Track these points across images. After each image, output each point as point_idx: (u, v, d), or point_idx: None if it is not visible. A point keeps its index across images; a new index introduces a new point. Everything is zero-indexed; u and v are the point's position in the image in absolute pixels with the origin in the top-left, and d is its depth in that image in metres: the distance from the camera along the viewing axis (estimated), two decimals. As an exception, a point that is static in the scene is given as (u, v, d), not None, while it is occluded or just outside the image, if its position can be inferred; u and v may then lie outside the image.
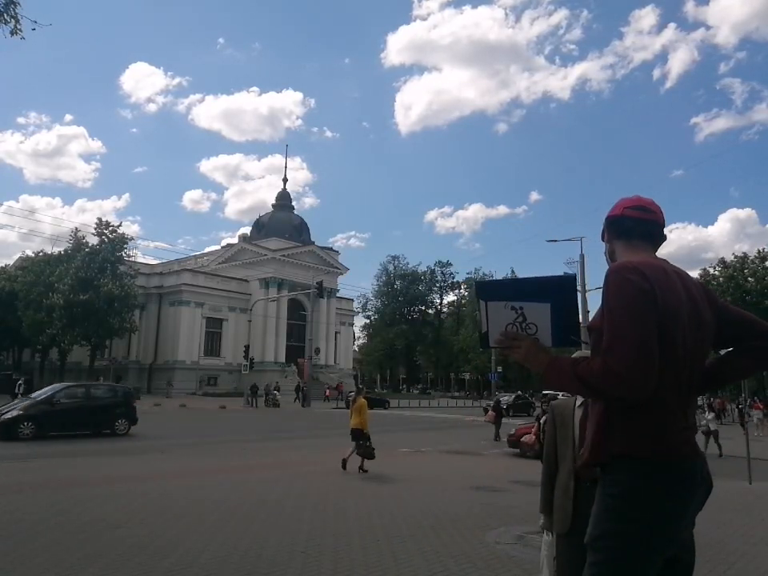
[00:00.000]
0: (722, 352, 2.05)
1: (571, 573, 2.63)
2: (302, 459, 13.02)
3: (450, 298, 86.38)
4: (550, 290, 1.82)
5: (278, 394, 38.95)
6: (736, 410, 31.03)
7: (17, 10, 7.54)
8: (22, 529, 6.10)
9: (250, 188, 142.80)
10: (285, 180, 65.47)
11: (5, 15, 7.52)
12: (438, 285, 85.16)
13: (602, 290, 1.82)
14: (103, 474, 10.06)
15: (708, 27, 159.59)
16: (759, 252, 51.53)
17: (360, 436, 10.94)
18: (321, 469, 11.22)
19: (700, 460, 1.81)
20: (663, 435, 1.73)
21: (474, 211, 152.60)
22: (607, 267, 2.01)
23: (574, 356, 1.97)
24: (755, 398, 34.44)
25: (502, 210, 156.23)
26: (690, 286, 1.86)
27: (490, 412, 21.76)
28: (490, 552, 5.73)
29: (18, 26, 7.64)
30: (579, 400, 2.86)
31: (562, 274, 2.03)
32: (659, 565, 1.73)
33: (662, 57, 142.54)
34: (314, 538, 6.03)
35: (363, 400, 11.71)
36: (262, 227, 60.23)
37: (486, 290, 1.93)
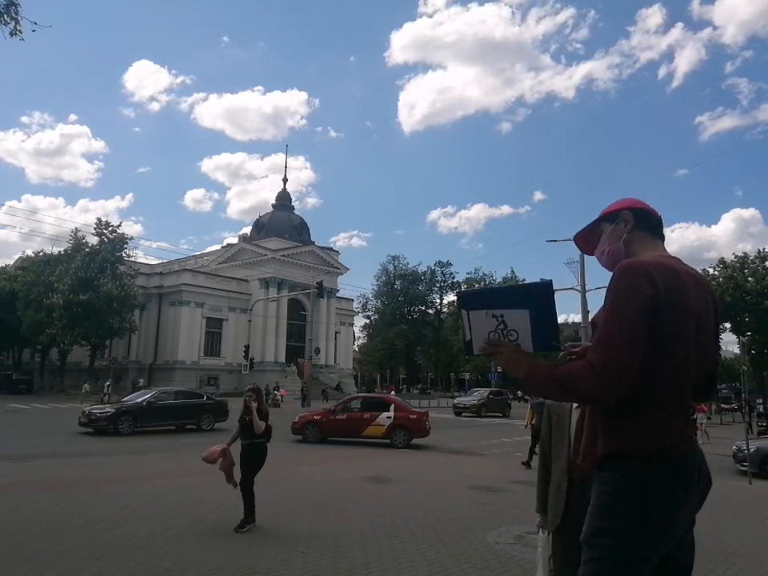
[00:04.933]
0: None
1: (566, 571, 2.64)
2: (302, 459, 13.03)
3: (450, 297, 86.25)
4: (528, 296, 1.87)
5: (278, 393, 38.97)
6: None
7: (17, 12, 7.53)
8: (21, 529, 6.10)
9: (253, 187, 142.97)
10: (285, 180, 65.49)
11: (5, 17, 7.51)
12: (438, 285, 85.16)
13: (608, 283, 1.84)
14: (103, 474, 10.08)
15: (715, 27, 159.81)
16: (759, 252, 51.35)
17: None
18: (321, 469, 11.23)
19: (697, 456, 1.81)
20: (661, 433, 1.73)
21: (477, 211, 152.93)
22: (608, 261, 2.01)
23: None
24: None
25: (505, 209, 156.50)
26: (701, 288, 1.86)
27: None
28: (489, 552, 5.74)
29: (18, 28, 7.64)
30: None
31: (539, 279, 2.07)
32: (655, 562, 1.73)
33: (669, 56, 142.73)
34: (314, 538, 6.04)
35: None
36: (262, 227, 60.19)
37: (467, 299, 2.00)
